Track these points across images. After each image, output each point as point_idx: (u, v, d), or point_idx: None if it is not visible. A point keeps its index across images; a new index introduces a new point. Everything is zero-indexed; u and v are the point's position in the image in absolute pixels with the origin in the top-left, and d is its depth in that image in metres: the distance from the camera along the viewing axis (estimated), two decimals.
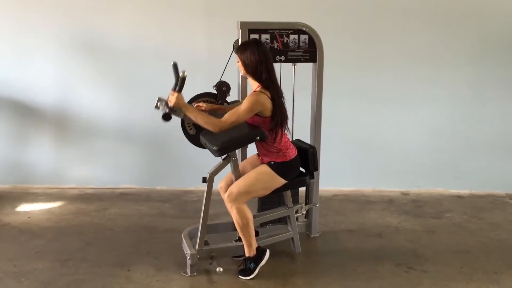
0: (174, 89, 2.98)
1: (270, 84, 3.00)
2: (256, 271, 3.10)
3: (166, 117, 2.99)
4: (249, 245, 3.11)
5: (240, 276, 3.10)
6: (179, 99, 2.95)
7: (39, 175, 4.73)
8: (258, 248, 3.14)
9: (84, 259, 3.32)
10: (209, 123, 2.95)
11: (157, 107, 3.03)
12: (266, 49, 3.04)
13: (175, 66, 3.05)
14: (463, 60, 4.60)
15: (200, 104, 3.34)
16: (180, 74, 2.97)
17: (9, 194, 4.53)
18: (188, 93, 3.30)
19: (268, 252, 3.17)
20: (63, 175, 4.75)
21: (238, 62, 3.06)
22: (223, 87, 3.39)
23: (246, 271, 3.10)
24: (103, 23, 4.52)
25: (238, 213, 3.02)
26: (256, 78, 3.02)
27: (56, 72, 4.60)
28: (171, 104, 2.95)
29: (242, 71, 3.08)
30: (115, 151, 4.74)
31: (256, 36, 3.38)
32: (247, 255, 3.12)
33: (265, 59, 2.99)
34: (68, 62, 4.58)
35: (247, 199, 3.07)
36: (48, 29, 4.52)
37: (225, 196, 3.07)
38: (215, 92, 3.42)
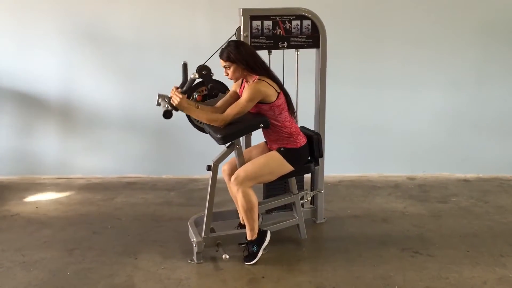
0: (178, 88, 2.97)
1: (268, 72, 3.07)
2: (260, 254, 3.12)
3: (167, 115, 2.98)
4: (252, 229, 3.13)
5: (245, 263, 3.12)
6: (183, 100, 2.95)
7: (46, 165, 4.77)
8: (259, 231, 3.16)
9: (91, 248, 3.35)
10: (212, 120, 2.98)
11: (158, 103, 3.04)
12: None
13: (185, 66, 3.07)
14: (467, 43, 4.56)
15: (198, 97, 3.35)
16: (192, 76, 2.98)
17: (17, 185, 4.57)
18: None
19: (269, 233, 3.19)
20: (70, 165, 4.78)
21: (229, 68, 3.01)
22: (203, 71, 3.31)
23: (250, 256, 3.12)
24: (105, 13, 4.51)
25: (244, 197, 3.04)
26: (257, 69, 3.02)
27: (59, 62, 4.61)
28: (174, 103, 2.95)
29: (236, 75, 3.04)
30: (120, 141, 4.76)
31: (258, 22, 3.35)
32: (249, 238, 3.15)
33: (255, 52, 3.10)
34: (72, 52, 4.58)
35: (253, 184, 3.08)
36: (51, 20, 4.51)
37: (232, 179, 3.08)
38: (200, 79, 3.36)
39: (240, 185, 3.03)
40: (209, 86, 3.35)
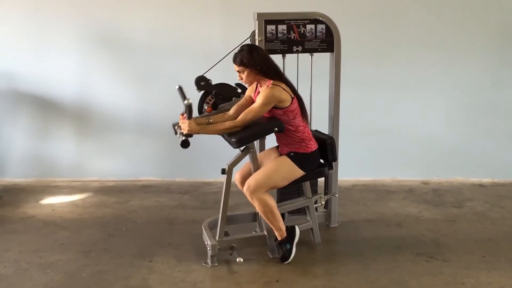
0: (183, 114, 2.99)
1: (282, 76, 3.07)
2: (294, 250, 3.16)
3: (185, 144, 2.96)
4: (279, 229, 3.16)
5: (282, 263, 3.15)
6: (192, 125, 2.94)
7: (62, 168, 4.82)
8: (287, 228, 3.18)
9: (107, 250, 3.38)
10: (228, 129, 3.00)
11: (176, 133, 3.05)
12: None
13: (180, 90, 3.06)
14: (482, 46, 4.53)
15: (208, 109, 3.37)
16: (185, 102, 2.94)
17: (33, 188, 4.63)
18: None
19: (297, 228, 3.23)
20: (85, 168, 4.83)
21: (242, 72, 3.03)
22: (200, 82, 3.33)
23: (285, 254, 3.16)
24: (120, 17, 4.56)
25: (260, 204, 3.06)
26: (270, 74, 3.02)
27: (75, 66, 4.66)
28: (185, 132, 2.95)
29: (250, 79, 3.05)
30: (135, 144, 4.80)
31: (272, 26, 3.37)
32: (279, 238, 3.18)
33: (268, 56, 3.10)
34: (87, 56, 4.63)
35: (266, 190, 3.09)
36: (67, 24, 4.57)
37: (244, 189, 3.10)
38: (203, 89, 3.37)
39: (253, 193, 3.05)
40: (213, 93, 3.37)
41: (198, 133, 2.97)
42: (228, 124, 3.02)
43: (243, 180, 3.16)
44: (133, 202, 4.28)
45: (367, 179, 4.76)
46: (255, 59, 2.99)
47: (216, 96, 3.37)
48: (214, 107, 3.39)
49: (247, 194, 3.07)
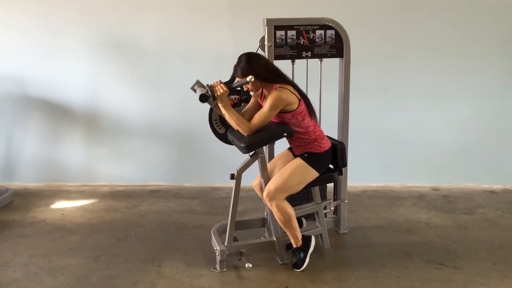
0: (223, 82, 3.04)
1: (284, 78, 3.06)
2: (307, 260, 3.15)
3: (204, 99, 3.00)
4: (295, 237, 3.16)
5: (294, 269, 3.15)
6: (224, 94, 2.99)
7: (72, 173, 4.86)
8: (303, 237, 3.18)
9: (116, 255, 3.39)
10: (240, 125, 3.00)
11: (193, 89, 3.07)
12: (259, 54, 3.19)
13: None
14: (491, 52, 4.51)
15: (229, 102, 3.37)
16: (248, 79, 3.00)
17: (43, 192, 4.66)
18: None
19: (313, 238, 3.22)
20: (95, 173, 4.86)
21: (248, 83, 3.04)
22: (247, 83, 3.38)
23: (298, 262, 3.15)
24: (131, 23, 4.60)
25: (279, 210, 3.05)
26: (272, 79, 3.03)
27: (86, 72, 4.70)
28: (217, 93, 2.98)
29: (255, 87, 3.05)
30: (144, 149, 4.82)
31: (282, 32, 3.37)
32: (294, 246, 3.18)
33: (267, 60, 3.14)
34: (97, 62, 4.67)
35: (285, 195, 3.09)
36: (77, 30, 4.62)
37: (264, 195, 3.10)
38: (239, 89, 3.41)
39: (273, 199, 3.05)
40: (242, 98, 3.39)
41: (220, 102, 3.00)
42: (244, 119, 3.02)
43: (262, 187, 3.17)
44: (142, 207, 4.30)
45: (376, 185, 4.74)
46: (254, 68, 2.99)
47: (243, 101, 3.42)
48: (233, 106, 3.41)
49: (267, 200, 3.07)
